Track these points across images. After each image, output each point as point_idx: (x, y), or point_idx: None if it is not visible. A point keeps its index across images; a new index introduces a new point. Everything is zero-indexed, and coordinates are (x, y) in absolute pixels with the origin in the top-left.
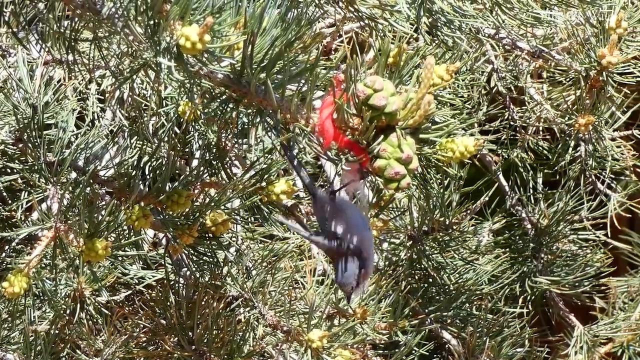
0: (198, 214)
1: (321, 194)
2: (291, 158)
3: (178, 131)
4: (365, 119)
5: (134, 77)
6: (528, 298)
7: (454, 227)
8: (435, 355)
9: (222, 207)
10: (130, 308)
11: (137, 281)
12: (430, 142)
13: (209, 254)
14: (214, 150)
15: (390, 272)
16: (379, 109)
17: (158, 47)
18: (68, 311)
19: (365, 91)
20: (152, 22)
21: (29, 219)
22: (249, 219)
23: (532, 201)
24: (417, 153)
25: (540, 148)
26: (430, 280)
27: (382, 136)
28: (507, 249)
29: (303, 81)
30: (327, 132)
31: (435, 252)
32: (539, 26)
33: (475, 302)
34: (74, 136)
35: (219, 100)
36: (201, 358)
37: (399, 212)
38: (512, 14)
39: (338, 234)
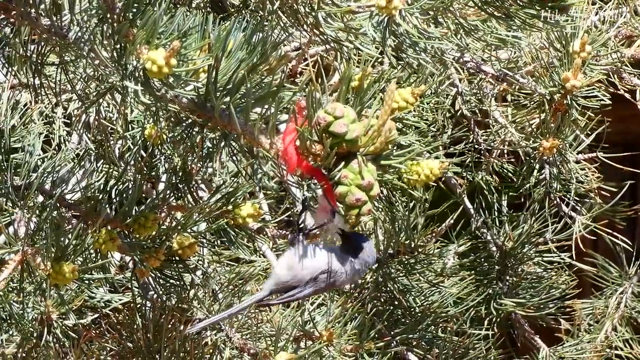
0: (165, 237)
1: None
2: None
3: (144, 154)
4: (326, 145)
5: (101, 100)
6: (493, 320)
7: (420, 250)
8: None
9: (189, 231)
10: (97, 331)
11: (104, 304)
12: (393, 167)
13: (176, 277)
14: (180, 174)
15: (356, 294)
16: (340, 136)
17: (124, 71)
18: (35, 334)
19: (325, 118)
20: (118, 47)
21: None
22: (216, 242)
23: (497, 224)
24: (379, 179)
25: (504, 171)
26: (396, 302)
27: (343, 163)
28: (473, 272)
29: (267, 105)
30: (290, 158)
31: (401, 274)
32: (504, 48)
33: (440, 325)
34: (41, 160)
35: (184, 124)
36: None
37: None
38: (476, 36)
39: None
